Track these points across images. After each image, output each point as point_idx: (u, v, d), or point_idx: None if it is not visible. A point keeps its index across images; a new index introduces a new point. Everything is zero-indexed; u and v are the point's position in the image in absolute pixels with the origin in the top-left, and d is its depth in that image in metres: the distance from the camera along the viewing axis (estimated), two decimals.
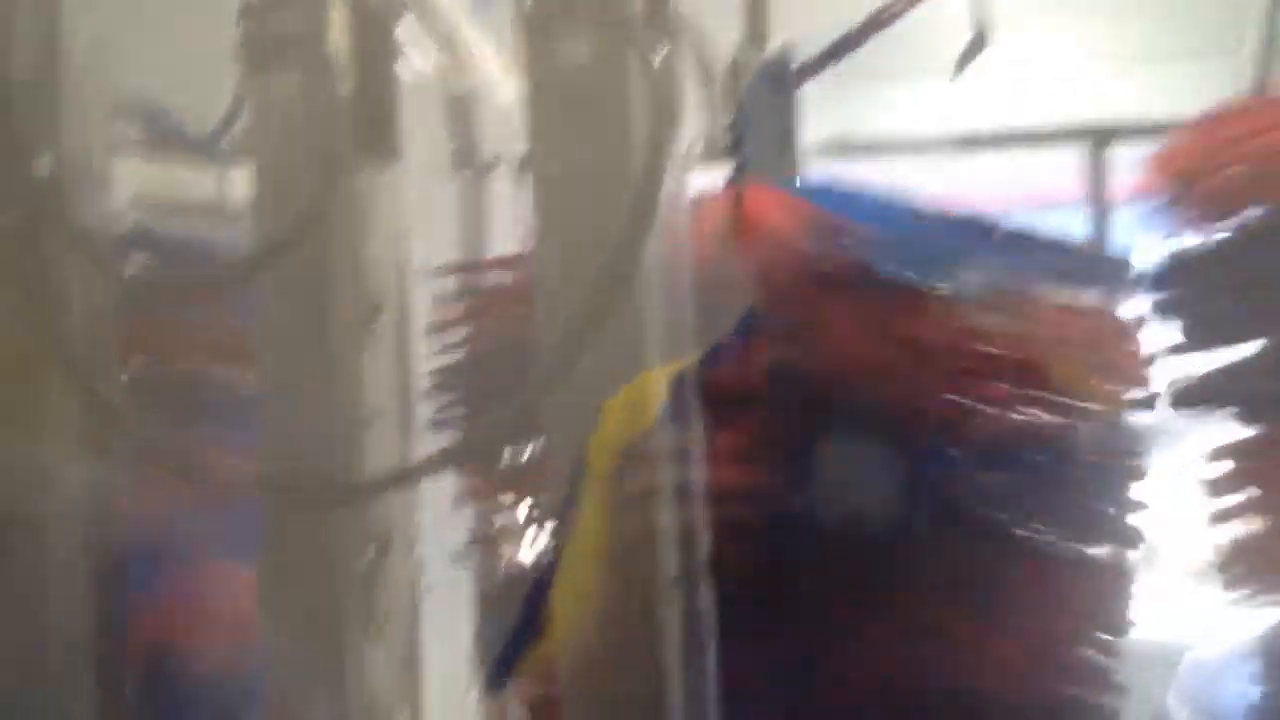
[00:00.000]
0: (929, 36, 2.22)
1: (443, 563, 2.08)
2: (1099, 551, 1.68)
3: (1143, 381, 1.77)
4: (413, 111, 1.75)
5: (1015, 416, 1.62)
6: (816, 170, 2.21)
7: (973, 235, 1.72)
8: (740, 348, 1.58)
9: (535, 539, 1.96)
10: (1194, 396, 2.13)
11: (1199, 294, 2.15)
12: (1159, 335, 2.06)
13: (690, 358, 1.59)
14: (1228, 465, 2.15)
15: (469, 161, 2.45)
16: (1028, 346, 1.64)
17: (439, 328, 2.19)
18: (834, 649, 1.55)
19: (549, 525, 1.64)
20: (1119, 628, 1.69)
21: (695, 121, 1.96)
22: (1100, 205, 5.13)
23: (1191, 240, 2.17)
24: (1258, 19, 2.48)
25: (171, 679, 1.97)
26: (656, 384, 1.57)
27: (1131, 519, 1.71)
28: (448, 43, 2.03)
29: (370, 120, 1.70)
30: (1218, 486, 2.15)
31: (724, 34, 2.09)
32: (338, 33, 1.67)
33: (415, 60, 1.80)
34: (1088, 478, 1.68)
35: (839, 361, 1.57)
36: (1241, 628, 2.21)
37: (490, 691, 1.72)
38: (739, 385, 1.56)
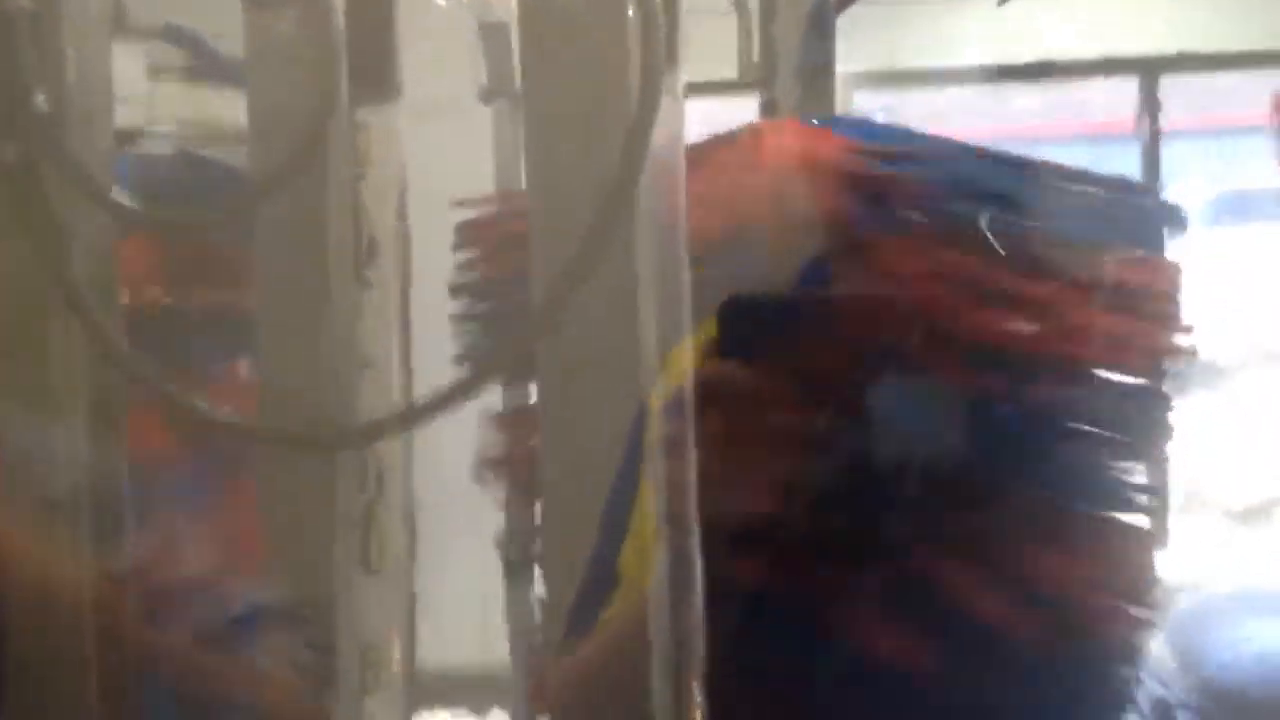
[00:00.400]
0: None
1: (440, 499, 2.10)
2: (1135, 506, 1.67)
3: (1188, 329, 1.76)
4: (444, 39, 1.75)
5: (1075, 364, 1.60)
6: (857, 101, 2.18)
7: (1031, 176, 1.70)
8: (816, 294, 1.55)
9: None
10: None
11: None
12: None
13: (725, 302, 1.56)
14: None
15: (504, 90, 2.43)
16: (1085, 294, 1.62)
17: (462, 261, 2.20)
18: (904, 595, 1.53)
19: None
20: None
21: (713, 55, 1.93)
22: (1152, 138, 5.04)
23: None
24: None
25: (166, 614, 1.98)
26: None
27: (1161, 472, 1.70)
28: None
29: (368, 58, 1.71)
30: None
31: None
32: None
33: None
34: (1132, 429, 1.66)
35: (907, 305, 1.55)
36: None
37: (562, 648, 1.72)
38: (816, 332, 1.52)
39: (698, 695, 1.40)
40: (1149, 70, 4.97)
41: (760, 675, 1.56)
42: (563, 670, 1.70)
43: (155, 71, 1.82)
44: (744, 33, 2.04)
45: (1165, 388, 1.69)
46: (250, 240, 1.81)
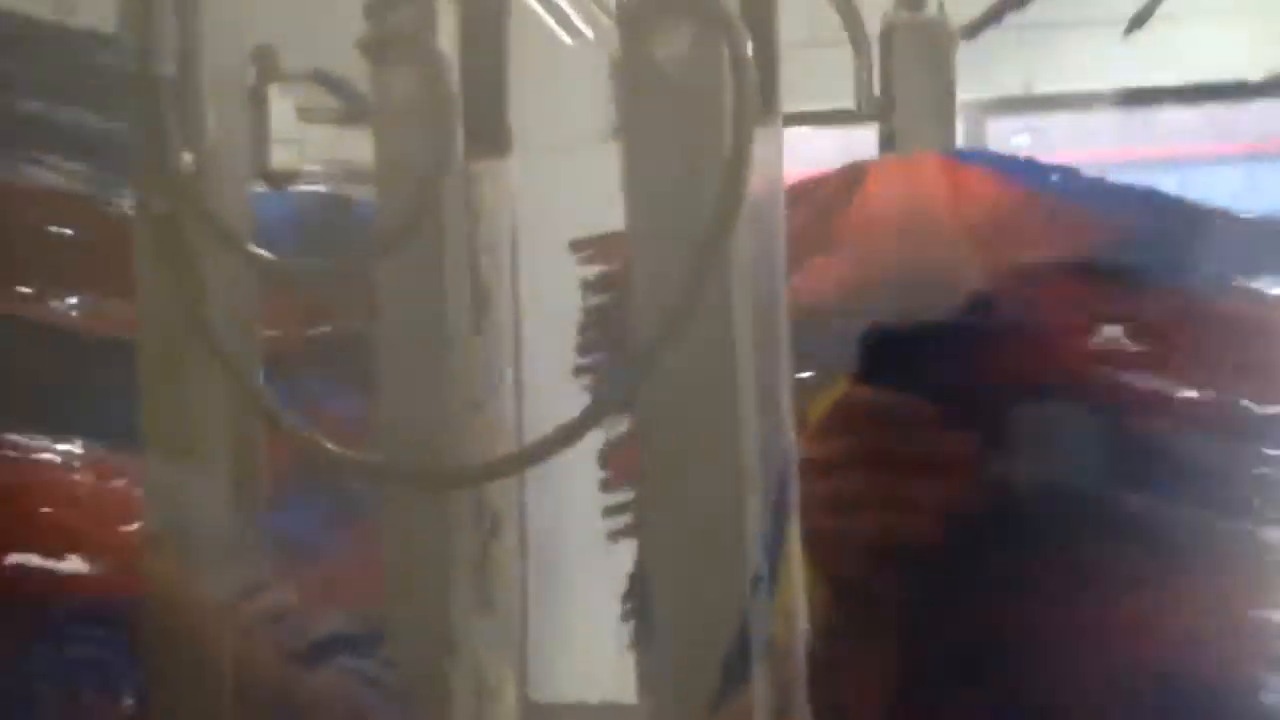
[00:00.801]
0: None
1: (553, 542, 2.16)
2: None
3: None
4: (574, 77, 1.80)
5: (1225, 402, 1.61)
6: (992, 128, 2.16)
7: (1188, 220, 1.68)
8: (974, 333, 1.55)
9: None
10: None
11: None
12: None
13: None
14: None
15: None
16: (1240, 331, 1.63)
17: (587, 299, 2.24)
18: (1047, 617, 1.54)
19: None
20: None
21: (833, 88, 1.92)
22: None
23: None
24: None
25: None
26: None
27: None
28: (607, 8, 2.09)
29: (481, 113, 1.81)
30: None
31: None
32: (449, 29, 1.77)
33: (577, 25, 1.87)
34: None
35: (1062, 351, 1.56)
36: None
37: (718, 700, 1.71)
38: (975, 359, 1.54)
39: None
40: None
41: (923, 712, 1.58)
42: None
43: (305, 113, 1.93)
44: (862, 65, 2.08)
45: None
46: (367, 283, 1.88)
